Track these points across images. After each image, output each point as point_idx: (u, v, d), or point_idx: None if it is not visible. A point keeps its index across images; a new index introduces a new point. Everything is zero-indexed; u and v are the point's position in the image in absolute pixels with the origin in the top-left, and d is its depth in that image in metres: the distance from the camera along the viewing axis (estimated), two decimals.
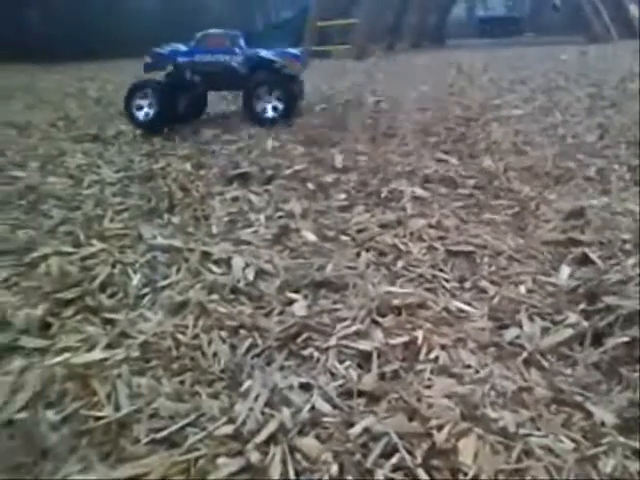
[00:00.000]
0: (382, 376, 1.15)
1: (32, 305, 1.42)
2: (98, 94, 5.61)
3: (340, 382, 1.12)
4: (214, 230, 1.91)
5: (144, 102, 3.44)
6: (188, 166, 2.67)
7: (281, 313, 1.39)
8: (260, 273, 1.58)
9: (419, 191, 2.32)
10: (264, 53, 3.60)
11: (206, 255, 1.65)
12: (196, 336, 1.29)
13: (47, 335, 1.33)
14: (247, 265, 1.61)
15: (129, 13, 15.78)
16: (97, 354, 1.21)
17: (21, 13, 12.20)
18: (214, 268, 1.60)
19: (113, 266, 1.59)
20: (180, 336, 1.29)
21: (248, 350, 1.25)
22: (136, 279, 1.53)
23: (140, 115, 3.45)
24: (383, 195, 2.28)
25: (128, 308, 1.42)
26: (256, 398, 1.08)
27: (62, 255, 1.67)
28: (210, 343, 1.27)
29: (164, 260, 1.62)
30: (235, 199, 2.19)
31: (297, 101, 3.58)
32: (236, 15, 20.16)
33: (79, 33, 12.34)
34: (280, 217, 2.04)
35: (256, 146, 2.99)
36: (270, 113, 3.50)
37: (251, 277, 1.55)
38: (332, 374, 1.15)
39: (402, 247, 1.77)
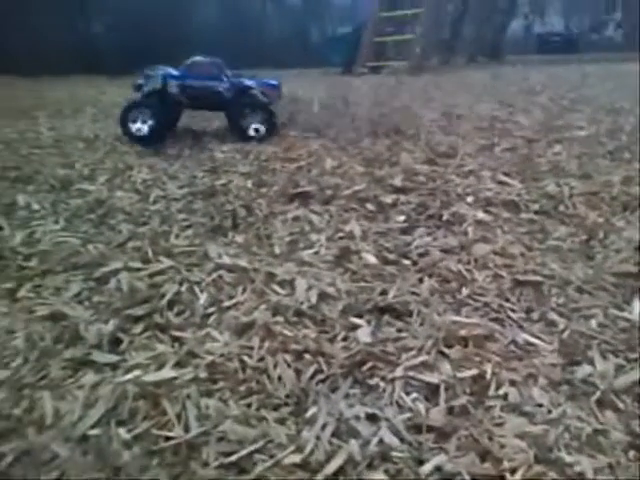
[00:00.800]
0: (450, 410, 1.13)
1: (103, 320, 1.46)
2: None
3: (408, 415, 1.11)
4: (276, 250, 1.93)
5: (139, 119, 3.72)
6: (249, 183, 2.71)
7: (345, 339, 1.39)
8: (323, 296, 1.59)
9: (481, 215, 2.29)
10: (247, 82, 3.97)
11: (270, 276, 1.67)
12: (262, 359, 1.30)
13: (117, 351, 1.37)
14: (310, 287, 1.61)
15: (194, 25, 16.29)
16: (167, 373, 1.24)
17: (88, 25, 12.76)
18: (278, 289, 1.61)
19: (180, 284, 1.63)
20: (246, 358, 1.30)
21: (313, 376, 1.25)
22: (203, 298, 1.56)
23: (135, 131, 3.73)
24: (444, 218, 2.26)
25: (195, 327, 1.45)
26: (323, 427, 1.08)
27: (131, 271, 1.72)
28: (275, 366, 1.27)
29: (230, 280, 1.65)
30: (296, 219, 2.21)
31: (277, 123, 3.94)
32: (293, 29, 20.56)
33: (143, 45, 12.78)
34: (340, 238, 2.05)
35: (315, 165, 3.01)
36: (252, 132, 3.83)
37: (314, 300, 1.56)
38: (399, 406, 1.14)
39: (466, 274, 1.74)
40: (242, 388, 1.21)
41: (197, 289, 1.61)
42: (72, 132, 4.26)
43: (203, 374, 1.24)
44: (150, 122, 3.72)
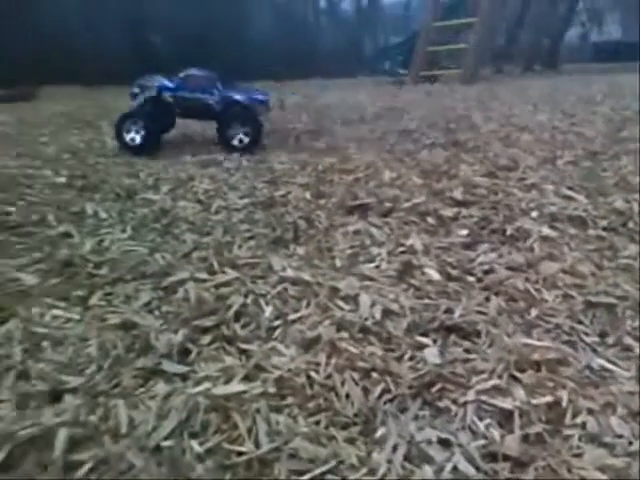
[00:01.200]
0: (526, 438, 1.10)
1: (173, 330, 1.49)
2: None
3: (482, 442, 1.08)
4: (337, 263, 1.93)
5: (132, 130, 3.92)
6: (308, 195, 2.73)
7: (412, 358, 1.37)
8: (387, 312, 1.57)
9: (546, 230, 2.23)
10: (236, 96, 4.13)
11: (334, 290, 1.67)
12: (329, 376, 1.29)
13: (186, 361, 1.39)
14: (374, 303, 1.60)
15: (249, 37, 16.61)
16: (236, 386, 1.25)
17: (147, 36, 13.18)
18: (342, 304, 1.60)
19: (246, 296, 1.64)
20: (313, 374, 1.30)
21: (381, 395, 1.24)
22: (268, 311, 1.57)
23: (129, 140, 3.91)
24: (508, 233, 2.21)
25: (261, 340, 1.46)
26: (394, 449, 1.07)
27: (198, 281, 1.75)
28: (343, 384, 1.27)
29: (294, 293, 1.65)
30: (356, 232, 2.20)
31: (261, 135, 4.08)
32: (346, 39, 20.67)
33: (199, 55, 13.09)
34: (402, 252, 2.03)
35: (373, 176, 3.00)
36: (236, 142, 3.99)
37: (378, 316, 1.54)
38: (472, 432, 1.11)
39: (535, 294, 1.69)
40: (310, 405, 1.21)
41: (262, 302, 1.62)
42: None
43: (272, 389, 1.24)
44: (143, 132, 3.90)
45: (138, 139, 3.89)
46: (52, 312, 1.59)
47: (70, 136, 4.65)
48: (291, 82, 13.91)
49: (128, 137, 3.89)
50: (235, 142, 4.00)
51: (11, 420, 1.18)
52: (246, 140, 3.99)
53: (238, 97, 4.12)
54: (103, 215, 2.44)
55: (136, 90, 4.13)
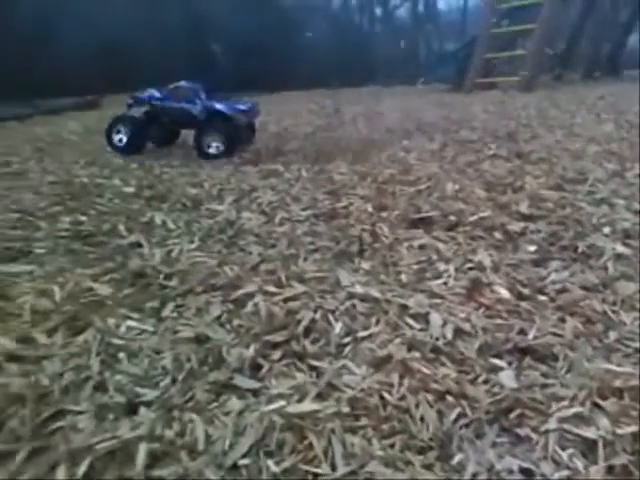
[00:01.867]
0: (610, 470, 1.05)
1: (244, 345, 1.51)
2: (278, 128, 5.98)
3: (565, 473, 1.04)
4: (404, 279, 1.91)
5: (120, 132, 4.36)
6: (369, 207, 2.72)
7: (486, 381, 1.34)
8: (458, 332, 1.54)
9: (620, 248, 2.14)
10: (218, 106, 4.40)
11: (403, 308, 1.65)
12: (402, 397, 1.28)
13: (258, 377, 1.40)
14: (445, 323, 1.58)
15: (306, 46, 16.82)
16: (310, 405, 1.25)
17: (209, 47, 13.50)
18: (412, 323, 1.58)
19: (315, 311, 1.65)
20: (386, 395, 1.28)
21: (456, 419, 1.21)
22: (338, 327, 1.57)
23: (117, 142, 4.40)
24: (580, 250, 2.14)
25: (331, 357, 1.46)
26: (474, 477, 1.04)
27: (266, 295, 1.77)
28: (417, 406, 1.25)
29: (363, 309, 1.65)
30: (422, 247, 2.17)
31: (236, 144, 4.35)
32: (400, 48, 20.58)
33: (258, 65, 13.35)
34: (469, 269, 1.99)
35: (435, 188, 2.96)
36: (212, 150, 4.23)
37: (450, 336, 1.52)
38: (555, 462, 1.07)
39: (612, 315, 1.63)
40: (385, 427, 1.20)
41: (331, 317, 1.62)
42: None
43: (345, 409, 1.24)
44: (127, 136, 4.38)
45: (124, 140, 4.35)
46: (127, 323, 1.64)
47: None
48: (345, 90, 13.95)
49: (116, 138, 4.40)
50: (211, 150, 4.26)
51: (90, 432, 1.22)
52: (222, 148, 4.25)
53: (219, 107, 4.40)
54: (171, 225, 2.50)
55: (130, 101, 4.60)
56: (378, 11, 22.94)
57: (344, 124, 6.17)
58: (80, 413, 1.29)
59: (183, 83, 4.54)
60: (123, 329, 1.61)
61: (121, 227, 2.44)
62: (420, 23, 22.91)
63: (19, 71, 11.95)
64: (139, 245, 2.30)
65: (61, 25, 13.10)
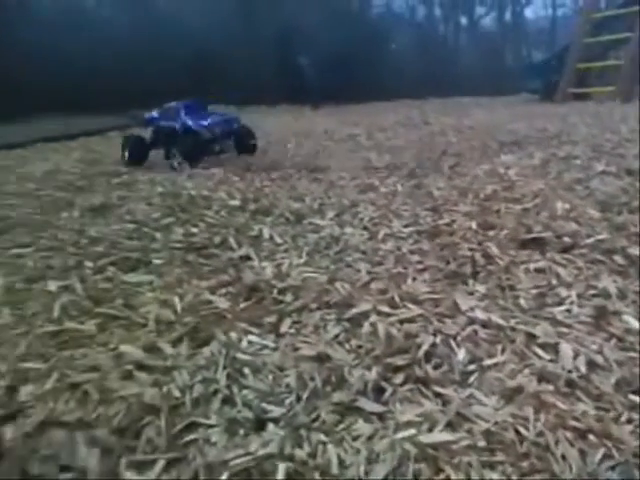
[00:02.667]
0: None
1: (365, 366, 1.50)
2: (370, 141, 5.98)
3: None
4: (523, 304, 1.84)
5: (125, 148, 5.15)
6: (474, 225, 2.65)
7: (630, 421, 1.26)
8: (592, 365, 1.47)
9: None
10: (189, 122, 4.88)
11: (530, 337, 1.59)
12: (540, 433, 1.22)
13: (382, 400, 1.39)
14: (576, 354, 1.50)
15: (389, 60, 16.90)
16: (442, 435, 1.22)
17: (295, 60, 13.79)
18: (541, 353, 1.52)
19: (434, 335, 1.62)
20: (522, 430, 1.23)
21: (602, 460, 1.15)
22: (461, 354, 1.53)
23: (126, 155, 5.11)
24: None
25: (456, 384, 1.42)
26: None
27: (381, 315, 1.75)
28: (557, 444, 1.19)
29: (486, 336, 1.60)
30: (539, 270, 2.09)
31: (194, 155, 4.72)
32: (488, 56, 20.16)
33: (342, 78, 13.50)
34: (593, 296, 1.89)
35: (543, 207, 2.85)
36: (175, 164, 4.69)
37: (583, 369, 1.44)
38: None
39: None
40: (524, 464, 1.15)
41: (453, 343, 1.58)
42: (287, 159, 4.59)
43: (480, 442, 1.20)
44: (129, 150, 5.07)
45: (127, 155, 5.09)
46: (248, 338, 1.67)
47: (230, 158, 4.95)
48: (431, 100, 13.81)
49: (125, 153, 5.11)
50: (173, 162, 4.73)
51: (223, 447, 1.24)
52: (183, 162, 4.65)
53: (190, 123, 4.90)
54: (278, 240, 2.54)
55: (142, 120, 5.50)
56: (463, 20, 22.64)
57: (434, 137, 6.08)
58: (211, 427, 1.32)
59: (173, 104, 5.15)
60: (245, 343, 1.65)
61: (231, 240, 2.51)
62: (507, 32, 22.37)
63: (116, 83, 12.66)
64: (249, 258, 2.35)
65: (157, 38, 13.78)
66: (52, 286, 2.10)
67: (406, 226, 2.70)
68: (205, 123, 4.89)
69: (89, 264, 2.29)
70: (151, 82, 12.60)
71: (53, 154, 6.09)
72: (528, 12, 23.34)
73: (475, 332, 1.62)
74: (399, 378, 1.46)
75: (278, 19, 15.18)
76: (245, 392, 1.43)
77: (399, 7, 21.51)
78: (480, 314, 1.71)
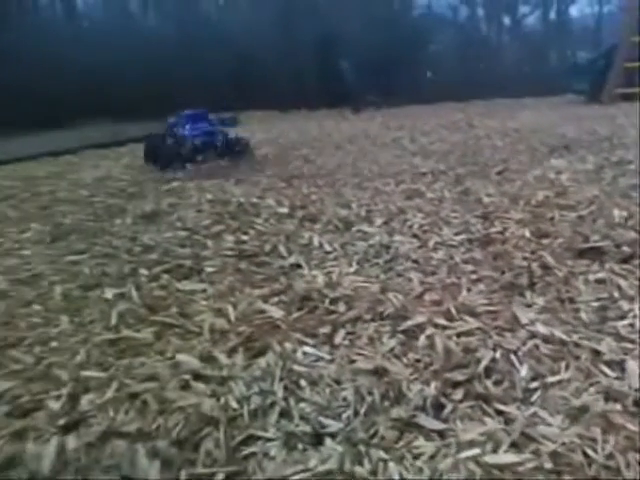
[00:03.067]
0: None
1: (424, 381, 1.47)
2: (414, 146, 5.93)
3: None
4: (584, 318, 1.78)
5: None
6: (527, 233, 2.59)
7: None
8: None
9: None
10: (180, 130, 5.41)
11: (594, 353, 1.53)
12: (610, 456, 1.18)
13: (441, 417, 1.36)
14: None
15: (431, 62, 16.81)
16: (507, 456, 1.19)
17: (336, 64, 13.82)
18: (606, 370, 1.47)
19: (494, 350, 1.58)
20: (590, 452, 1.19)
21: None
22: (523, 370, 1.49)
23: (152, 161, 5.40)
24: None
25: (519, 402, 1.38)
26: None
27: (437, 328, 1.73)
28: (628, 467, 1.14)
29: (548, 352, 1.55)
30: (599, 281, 2.02)
31: (169, 160, 5.13)
32: (530, 59, 19.77)
33: (382, 82, 13.49)
34: None
35: (599, 214, 2.77)
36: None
37: None
38: None
39: None
40: None
41: (514, 358, 1.54)
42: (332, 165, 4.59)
43: (547, 464, 1.16)
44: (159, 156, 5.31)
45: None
46: (303, 349, 1.67)
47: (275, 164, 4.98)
48: (474, 102, 13.63)
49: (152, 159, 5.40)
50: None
51: (282, 461, 1.24)
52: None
53: (180, 131, 5.39)
54: (327, 247, 2.54)
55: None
56: (506, 20, 22.24)
57: (479, 140, 5.99)
58: (269, 440, 1.32)
59: (186, 112, 5.50)
60: (300, 355, 1.64)
61: (281, 248, 2.52)
62: (551, 31, 21.86)
63: (162, 89, 12.93)
64: (299, 266, 2.36)
65: (202, 45, 14.02)
66: (108, 293, 2.15)
67: (457, 234, 2.66)
68: (186, 132, 5.35)
69: (144, 272, 2.33)
70: (195, 88, 12.83)
71: (102, 160, 6.26)
72: (573, 10, 22.72)
73: (537, 347, 1.58)
74: (459, 394, 1.43)
75: (319, 24, 15.24)
76: (302, 405, 1.43)
77: (440, 8, 21.30)
78: (541, 328, 1.66)
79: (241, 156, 5.29)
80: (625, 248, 2.31)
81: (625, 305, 1.85)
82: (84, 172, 5.39)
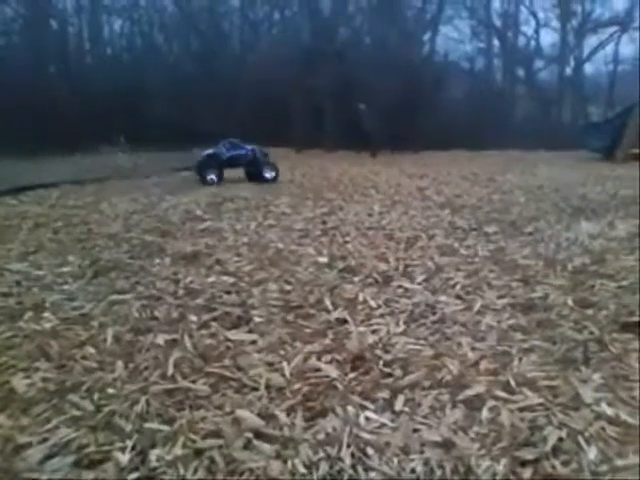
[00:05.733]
0: None
1: (493, 458, 1.47)
2: (441, 197, 5.98)
3: None
4: (638, 396, 1.78)
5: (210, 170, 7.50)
6: (570, 301, 2.60)
7: None
8: None
9: None
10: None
11: None
12: None
13: None
14: None
15: (447, 109, 17.07)
16: None
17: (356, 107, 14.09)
18: None
19: (560, 428, 1.58)
20: None
21: None
22: (591, 452, 1.49)
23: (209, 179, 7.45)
24: None
25: None
26: None
27: (497, 400, 1.73)
28: None
29: (615, 434, 1.55)
30: None
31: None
32: (543, 112, 20.08)
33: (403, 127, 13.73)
34: None
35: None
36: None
37: None
38: None
39: None
40: None
41: (581, 439, 1.53)
42: (362, 214, 4.63)
43: None
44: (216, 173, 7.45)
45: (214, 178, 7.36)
46: (365, 414, 1.67)
47: (305, 207, 5.03)
48: (487, 152, 13.81)
49: (208, 177, 7.35)
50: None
51: None
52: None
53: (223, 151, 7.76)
54: (372, 303, 2.55)
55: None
56: (521, 72, 22.68)
57: (504, 195, 6.06)
58: None
59: (229, 140, 7.79)
60: (362, 420, 1.64)
61: (327, 301, 2.53)
62: (565, 86, 22.26)
63: (182, 122, 13.18)
64: (345, 321, 2.37)
65: (228, 83, 14.36)
66: (160, 339, 2.16)
67: (499, 297, 2.67)
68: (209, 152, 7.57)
69: (192, 318, 2.35)
70: (221, 123, 13.12)
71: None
72: (588, 67, 23.18)
73: (603, 429, 1.58)
74: (528, 472, 1.43)
75: (340, 66, 15.59)
76: (372, 474, 1.43)
77: (458, 57, 21.80)
78: (607, 410, 1.66)
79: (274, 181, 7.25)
80: None
81: None
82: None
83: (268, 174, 7.41)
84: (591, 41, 22.34)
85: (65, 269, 3.14)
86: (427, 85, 17.88)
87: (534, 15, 22.37)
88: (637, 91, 13.61)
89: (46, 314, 2.42)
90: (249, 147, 7.68)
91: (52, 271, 3.09)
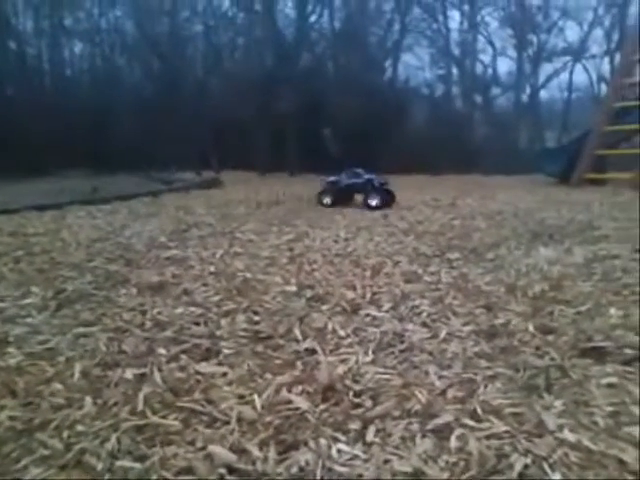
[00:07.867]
0: None
1: None
2: (404, 223, 6.07)
3: None
4: (600, 422, 1.85)
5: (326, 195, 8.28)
6: (531, 327, 2.69)
7: None
8: None
9: None
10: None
11: (621, 464, 1.60)
12: None
13: None
14: None
15: (407, 134, 17.44)
16: None
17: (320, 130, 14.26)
18: None
19: (525, 455, 1.63)
20: None
21: None
22: (556, 478, 1.54)
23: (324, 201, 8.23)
24: None
25: None
26: None
27: (464, 428, 1.77)
28: None
29: (577, 460, 1.61)
30: (611, 385, 2.11)
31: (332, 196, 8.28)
32: (501, 137, 20.72)
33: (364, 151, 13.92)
34: None
35: (597, 312, 2.90)
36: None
37: None
38: None
39: None
40: None
41: (546, 466, 1.59)
42: (329, 241, 4.67)
43: None
44: (330, 198, 8.20)
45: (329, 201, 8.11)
46: (337, 446, 1.69)
47: (271, 234, 5.05)
48: (446, 177, 14.11)
49: (324, 200, 8.12)
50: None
51: None
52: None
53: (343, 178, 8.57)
54: (341, 332, 2.58)
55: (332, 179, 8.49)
56: (478, 99, 23.43)
57: (465, 221, 6.22)
58: None
59: (354, 169, 8.43)
60: (335, 452, 1.67)
61: (296, 331, 2.56)
62: (521, 113, 23.06)
63: (143, 145, 13.10)
64: (314, 351, 2.39)
65: (183, 104, 14.37)
66: (129, 374, 2.14)
67: (464, 324, 2.74)
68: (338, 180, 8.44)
69: (161, 351, 2.34)
70: (176, 145, 13.06)
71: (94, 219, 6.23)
72: (543, 94, 24.17)
73: (566, 455, 1.64)
74: None
75: (303, 90, 15.80)
76: None
77: (418, 83, 22.40)
78: (570, 436, 1.72)
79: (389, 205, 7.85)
80: (627, 350, 2.42)
81: (635, 410, 1.93)
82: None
83: (373, 202, 7.72)
84: (546, 69, 23.37)
85: (28, 300, 3.08)
86: (390, 110, 18.28)
87: (491, 44, 23.27)
88: (590, 117, 14.24)
89: (10, 349, 2.37)
90: (367, 176, 8.22)
91: (15, 303, 3.02)
